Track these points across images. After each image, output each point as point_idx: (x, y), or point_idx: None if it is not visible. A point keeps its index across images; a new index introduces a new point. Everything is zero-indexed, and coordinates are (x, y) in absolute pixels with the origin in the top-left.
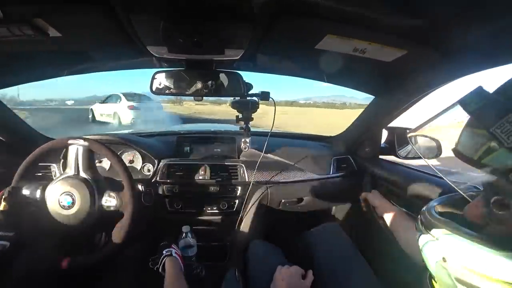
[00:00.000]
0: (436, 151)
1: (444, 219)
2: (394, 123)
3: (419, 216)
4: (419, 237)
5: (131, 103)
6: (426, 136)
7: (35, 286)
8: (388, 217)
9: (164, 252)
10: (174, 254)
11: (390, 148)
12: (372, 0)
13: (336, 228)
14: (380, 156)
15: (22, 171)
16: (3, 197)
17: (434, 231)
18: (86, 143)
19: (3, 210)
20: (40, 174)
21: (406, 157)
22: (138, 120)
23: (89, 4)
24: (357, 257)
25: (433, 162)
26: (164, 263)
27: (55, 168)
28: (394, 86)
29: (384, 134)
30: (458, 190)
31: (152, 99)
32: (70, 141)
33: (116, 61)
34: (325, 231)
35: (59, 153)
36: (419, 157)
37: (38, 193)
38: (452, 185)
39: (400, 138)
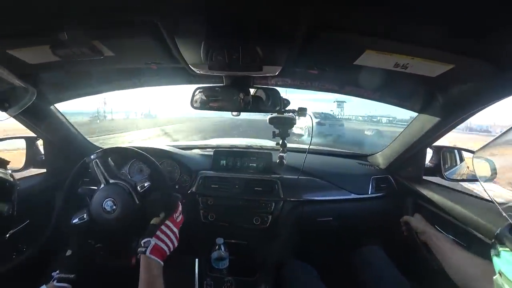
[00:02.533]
0: (490, 172)
1: (507, 236)
2: (440, 142)
3: (495, 238)
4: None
5: (318, 120)
6: (478, 157)
7: None
8: (434, 244)
9: (141, 243)
10: (148, 253)
11: (436, 169)
12: (414, 14)
13: (379, 251)
14: (424, 177)
15: (72, 179)
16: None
17: (498, 246)
18: (131, 153)
19: (68, 256)
20: (88, 179)
21: (453, 179)
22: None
23: (139, 27)
24: (403, 283)
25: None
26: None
27: (101, 176)
28: (440, 102)
29: (429, 153)
30: (507, 217)
31: (336, 117)
32: (113, 151)
33: (161, 77)
34: (368, 253)
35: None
36: (470, 179)
37: (85, 215)
38: (502, 211)
39: (447, 158)
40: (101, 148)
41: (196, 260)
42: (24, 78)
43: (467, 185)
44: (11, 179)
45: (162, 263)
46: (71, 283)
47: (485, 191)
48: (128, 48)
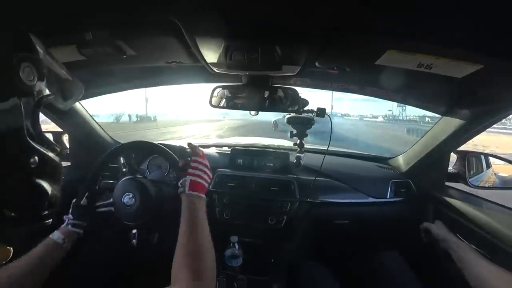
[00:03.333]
0: None
1: None
2: (465, 147)
3: None
4: None
5: None
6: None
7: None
8: (456, 253)
9: (179, 184)
10: (187, 191)
11: (460, 175)
12: (439, 13)
13: (398, 258)
14: (447, 183)
15: (94, 173)
16: (86, 194)
17: None
18: (149, 147)
19: (84, 205)
20: (108, 174)
21: (479, 186)
22: None
23: (160, 27)
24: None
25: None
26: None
27: (121, 169)
28: (466, 105)
29: (453, 158)
30: None
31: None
32: (134, 145)
33: (180, 76)
34: (387, 259)
35: (125, 156)
36: (497, 188)
37: (107, 194)
38: None
39: (472, 164)
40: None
41: None
42: None
43: (492, 193)
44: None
45: (204, 196)
46: (82, 230)
47: None
48: (150, 47)
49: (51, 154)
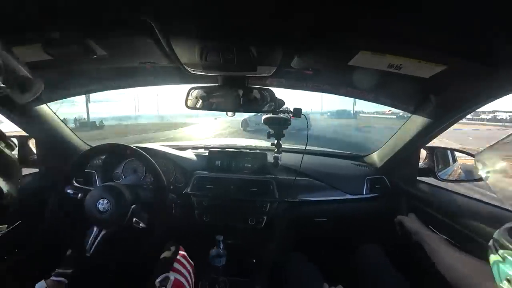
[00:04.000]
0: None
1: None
2: (434, 143)
3: (493, 241)
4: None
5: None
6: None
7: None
8: (427, 244)
9: (157, 283)
10: None
11: (429, 169)
12: (408, 15)
13: (375, 250)
14: (418, 178)
15: (68, 173)
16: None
17: (501, 251)
18: (124, 151)
19: (69, 255)
20: (81, 179)
21: (447, 180)
22: None
23: (132, 27)
24: (399, 281)
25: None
26: None
27: (95, 175)
28: (434, 103)
29: (423, 154)
30: None
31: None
32: (108, 148)
33: (154, 77)
34: (366, 252)
35: (99, 160)
36: (463, 180)
37: (79, 196)
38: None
39: (440, 158)
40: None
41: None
42: None
43: (459, 185)
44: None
45: None
46: (68, 278)
47: (493, 191)
48: (122, 47)
49: (6, 151)
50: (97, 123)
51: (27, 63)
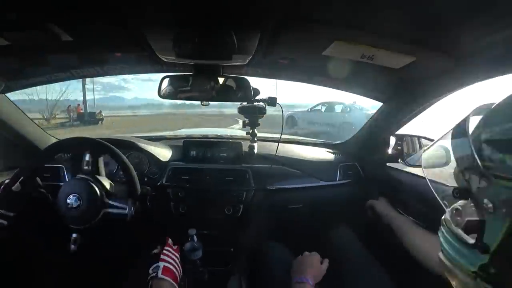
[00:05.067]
0: (445, 158)
1: (448, 219)
2: (402, 130)
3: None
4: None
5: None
6: (434, 142)
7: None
8: (395, 225)
9: (150, 271)
10: (160, 275)
11: (398, 156)
12: (379, 6)
13: (348, 232)
14: (388, 164)
15: (34, 164)
16: (20, 179)
17: (441, 228)
18: (93, 144)
19: (15, 191)
20: (48, 175)
21: (414, 165)
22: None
23: (100, 12)
24: (371, 261)
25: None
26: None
27: (63, 169)
28: (403, 93)
29: (392, 141)
30: (442, 204)
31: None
32: (77, 142)
33: (125, 65)
34: (338, 236)
35: (65, 154)
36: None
37: (48, 194)
38: (438, 198)
39: (408, 145)
40: (58, 140)
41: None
42: None
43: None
44: None
45: (175, 284)
46: (8, 222)
47: (428, 180)
48: (89, 33)
49: None
50: (103, 114)
51: None
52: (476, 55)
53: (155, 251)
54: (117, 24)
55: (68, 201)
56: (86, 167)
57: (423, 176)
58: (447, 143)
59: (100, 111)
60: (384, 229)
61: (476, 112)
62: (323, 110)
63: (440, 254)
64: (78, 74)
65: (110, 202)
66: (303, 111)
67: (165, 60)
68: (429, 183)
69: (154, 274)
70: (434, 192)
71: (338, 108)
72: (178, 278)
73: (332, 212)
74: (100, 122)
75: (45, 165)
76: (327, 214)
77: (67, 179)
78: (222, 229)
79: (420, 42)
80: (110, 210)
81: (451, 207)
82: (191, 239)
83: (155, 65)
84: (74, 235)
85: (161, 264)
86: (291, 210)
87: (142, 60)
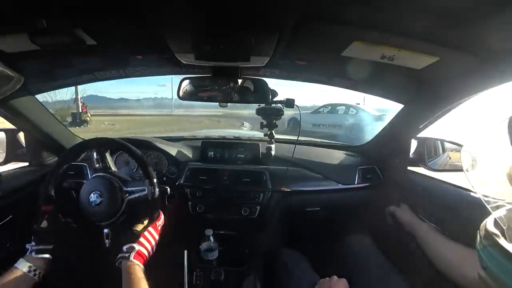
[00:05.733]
0: (472, 163)
1: (492, 231)
2: (424, 133)
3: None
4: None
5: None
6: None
7: None
8: (418, 233)
9: (124, 249)
10: (132, 258)
11: (420, 160)
12: (400, 6)
13: (366, 240)
14: (409, 168)
15: (47, 190)
16: (45, 216)
17: (484, 241)
18: (112, 143)
19: (44, 228)
20: (73, 173)
21: (437, 170)
22: None
23: (122, 15)
24: (389, 270)
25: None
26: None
27: (86, 168)
28: (425, 94)
29: (414, 144)
30: (490, 210)
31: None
32: (96, 142)
33: (146, 67)
34: (355, 242)
35: (89, 153)
36: (452, 170)
37: (72, 190)
38: (483, 200)
39: (430, 149)
40: (83, 139)
41: (185, 251)
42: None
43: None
44: None
45: (143, 267)
46: (50, 255)
47: (470, 182)
48: (112, 37)
49: None
50: (89, 115)
51: (14, 53)
52: (502, 54)
53: (142, 224)
54: (139, 28)
55: (91, 199)
56: (104, 165)
57: (447, 181)
58: (474, 146)
59: (87, 111)
60: (406, 237)
61: None
62: (325, 112)
63: (481, 271)
64: (101, 76)
65: (128, 188)
66: (306, 113)
67: (184, 62)
68: (472, 187)
69: (126, 255)
70: (483, 200)
71: (341, 110)
72: (147, 260)
73: (350, 217)
74: (84, 125)
75: (70, 163)
76: (345, 219)
77: (89, 177)
78: (239, 230)
79: (444, 42)
80: (130, 196)
81: (496, 216)
82: (208, 239)
83: (174, 67)
84: (105, 230)
85: (137, 247)
86: (308, 213)
87: (162, 62)
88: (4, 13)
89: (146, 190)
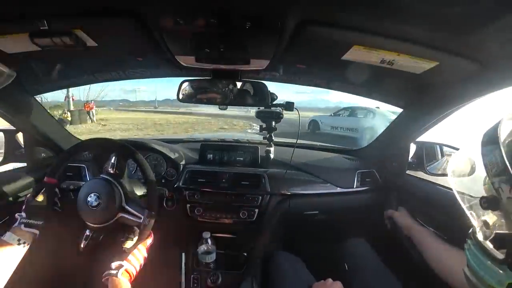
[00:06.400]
0: (470, 167)
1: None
2: (423, 138)
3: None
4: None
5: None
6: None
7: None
8: (416, 237)
9: (112, 266)
10: (120, 276)
11: (418, 164)
12: (400, 11)
13: (363, 244)
14: (408, 172)
15: (56, 167)
16: (42, 190)
17: (469, 241)
18: (114, 145)
19: (40, 202)
20: (71, 174)
21: (435, 174)
22: None
23: (122, 17)
24: (386, 274)
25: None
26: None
27: (85, 169)
28: (424, 99)
29: (413, 148)
30: (470, 215)
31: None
32: (101, 142)
33: (146, 69)
34: (353, 246)
35: (88, 154)
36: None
37: (70, 192)
38: (465, 209)
39: (429, 153)
40: (81, 140)
41: (183, 254)
42: None
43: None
44: None
45: (129, 284)
46: (39, 230)
47: (451, 184)
48: (112, 38)
49: None
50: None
51: (14, 54)
52: (503, 59)
53: (127, 245)
54: (139, 30)
55: (89, 199)
56: (110, 169)
57: (445, 185)
58: (472, 151)
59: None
60: (404, 241)
61: (509, 117)
62: (346, 115)
63: (466, 269)
64: (101, 77)
65: (127, 207)
66: (326, 116)
67: (184, 64)
68: (456, 193)
69: (114, 272)
70: (461, 202)
71: (361, 114)
72: (134, 278)
73: (349, 220)
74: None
75: (69, 164)
76: (343, 222)
77: (88, 179)
78: (237, 233)
79: (444, 47)
80: (125, 215)
81: (479, 218)
82: (205, 242)
83: (174, 69)
84: (87, 232)
85: (126, 265)
86: (307, 217)
87: (162, 64)
88: (5, 13)
89: (142, 220)
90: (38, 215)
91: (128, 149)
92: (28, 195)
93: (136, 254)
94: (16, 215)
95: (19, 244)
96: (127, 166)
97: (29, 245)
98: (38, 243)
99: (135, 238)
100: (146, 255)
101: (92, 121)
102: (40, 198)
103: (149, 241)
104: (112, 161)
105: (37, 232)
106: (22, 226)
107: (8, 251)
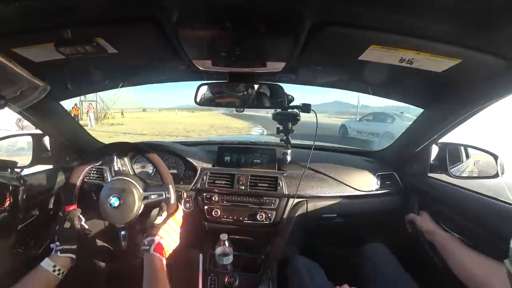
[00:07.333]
0: (495, 169)
1: None
2: (446, 138)
3: None
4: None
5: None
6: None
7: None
8: (439, 243)
9: (145, 242)
10: (152, 251)
11: (441, 166)
12: (420, 6)
13: (382, 248)
14: (430, 174)
15: (70, 194)
16: (67, 218)
17: None
18: (131, 147)
19: (69, 229)
20: (93, 175)
21: (459, 176)
22: None
23: (141, 24)
24: (407, 280)
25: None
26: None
27: (106, 171)
28: (446, 98)
29: (435, 150)
30: None
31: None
32: (122, 146)
33: (164, 74)
34: (371, 251)
35: (108, 157)
36: (476, 177)
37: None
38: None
39: (452, 155)
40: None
41: (200, 255)
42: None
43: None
44: (15, 183)
45: (164, 259)
46: (74, 254)
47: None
48: (132, 45)
49: None
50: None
51: (40, 62)
52: None
53: (162, 217)
54: (157, 36)
55: (110, 201)
56: (124, 168)
57: (471, 189)
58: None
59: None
60: (426, 246)
61: None
62: (372, 119)
63: (507, 262)
64: (122, 83)
65: (148, 193)
66: (354, 121)
67: (201, 68)
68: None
69: (147, 248)
70: None
71: (386, 119)
72: (169, 252)
73: (368, 224)
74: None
75: (91, 166)
76: (362, 226)
77: (109, 180)
78: (254, 235)
79: (467, 43)
80: (149, 200)
81: None
82: (223, 244)
83: (192, 73)
84: (123, 232)
85: (157, 239)
86: (325, 219)
87: (180, 69)
88: (32, 24)
89: (164, 195)
90: (71, 240)
91: (145, 152)
92: (57, 226)
93: (167, 229)
94: (51, 245)
95: (53, 271)
96: (146, 168)
97: (66, 271)
98: (76, 265)
99: (164, 213)
100: (178, 228)
101: (91, 125)
102: (67, 225)
103: (178, 215)
104: (132, 163)
105: (73, 256)
106: (59, 253)
107: (46, 279)
